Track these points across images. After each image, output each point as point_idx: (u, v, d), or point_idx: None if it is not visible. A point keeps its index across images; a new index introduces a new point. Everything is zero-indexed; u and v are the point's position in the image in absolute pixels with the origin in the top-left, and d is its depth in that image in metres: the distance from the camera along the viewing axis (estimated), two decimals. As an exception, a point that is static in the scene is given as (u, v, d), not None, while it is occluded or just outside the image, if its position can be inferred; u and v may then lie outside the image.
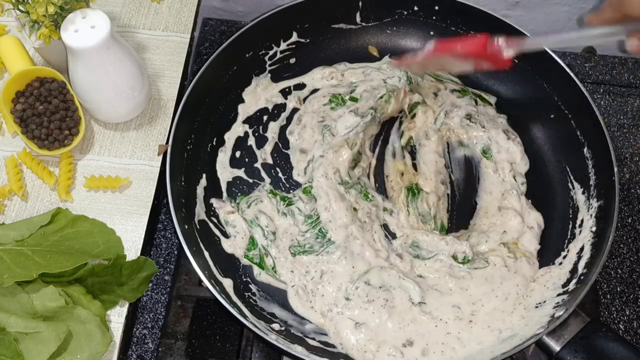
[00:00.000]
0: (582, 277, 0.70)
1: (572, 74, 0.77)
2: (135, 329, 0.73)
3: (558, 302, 0.69)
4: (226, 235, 0.75)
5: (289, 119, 0.83)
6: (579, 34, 0.62)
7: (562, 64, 0.78)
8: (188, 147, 0.77)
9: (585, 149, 0.76)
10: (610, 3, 0.60)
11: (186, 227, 0.71)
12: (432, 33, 0.87)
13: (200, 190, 0.77)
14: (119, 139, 0.79)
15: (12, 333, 0.60)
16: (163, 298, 0.75)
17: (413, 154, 0.81)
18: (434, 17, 0.85)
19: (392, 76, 0.83)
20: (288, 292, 0.71)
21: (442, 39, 0.70)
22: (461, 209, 0.78)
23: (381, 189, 0.79)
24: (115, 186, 0.75)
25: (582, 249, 0.72)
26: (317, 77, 0.85)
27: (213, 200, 0.76)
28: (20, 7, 0.69)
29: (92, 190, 0.75)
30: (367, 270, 0.70)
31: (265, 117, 0.83)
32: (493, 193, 0.77)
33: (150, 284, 0.75)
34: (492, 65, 0.66)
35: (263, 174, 0.80)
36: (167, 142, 0.74)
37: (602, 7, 0.61)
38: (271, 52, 0.85)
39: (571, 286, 0.70)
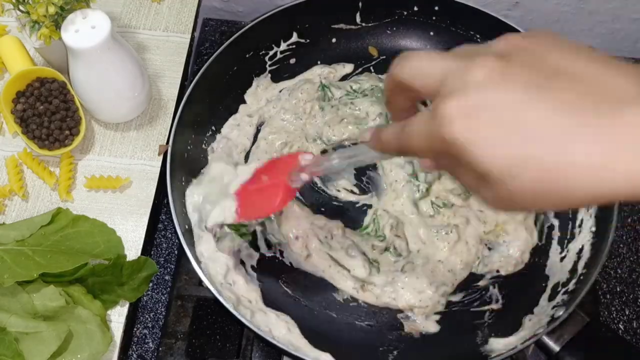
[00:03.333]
0: (581, 277, 0.70)
1: (571, 74, 0.77)
2: (135, 329, 0.73)
3: (558, 302, 0.69)
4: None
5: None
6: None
7: (562, 64, 0.78)
8: (188, 147, 0.77)
9: (585, 149, 0.76)
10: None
11: (186, 227, 0.71)
12: (432, 33, 0.87)
13: (200, 190, 0.77)
14: (119, 139, 0.79)
15: (12, 333, 0.60)
16: (163, 298, 0.75)
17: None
18: (434, 17, 0.85)
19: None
20: None
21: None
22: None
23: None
24: (116, 186, 0.75)
25: (581, 249, 0.72)
26: (316, 74, 0.85)
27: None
28: (21, 7, 0.70)
29: (92, 190, 0.76)
30: None
31: (265, 117, 0.83)
32: None
33: (151, 284, 0.75)
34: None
35: (263, 174, 0.80)
36: (167, 142, 0.74)
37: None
38: (271, 52, 0.85)
39: (571, 286, 0.70)
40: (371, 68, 0.87)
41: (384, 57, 0.88)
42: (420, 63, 0.39)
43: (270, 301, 0.70)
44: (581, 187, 0.32)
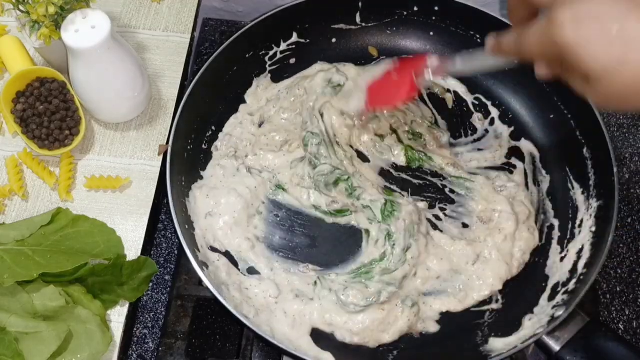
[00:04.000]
0: (581, 277, 0.70)
1: (571, 74, 0.77)
2: (135, 329, 0.73)
3: (558, 302, 0.69)
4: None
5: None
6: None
7: (562, 64, 0.78)
8: (188, 147, 0.77)
9: (585, 149, 0.76)
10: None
11: (186, 227, 0.71)
12: (432, 33, 0.87)
13: (200, 190, 0.77)
14: (119, 139, 0.79)
15: (12, 333, 0.60)
16: (163, 298, 0.75)
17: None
18: (434, 18, 0.85)
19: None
20: None
21: (372, 86, 0.75)
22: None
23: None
24: (116, 186, 0.75)
25: (581, 249, 0.72)
26: (315, 70, 0.85)
27: None
28: (21, 7, 0.70)
29: (92, 190, 0.76)
30: None
31: (265, 117, 0.83)
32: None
33: (151, 284, 0.75)
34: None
35: (263, 174, 0.80)
36: (167, 142, 0.74)
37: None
38: (271, 53, 0.85)
39: (571, 286, 0.70)
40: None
41: (384, 57, 0.88)
42: None
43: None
44: None
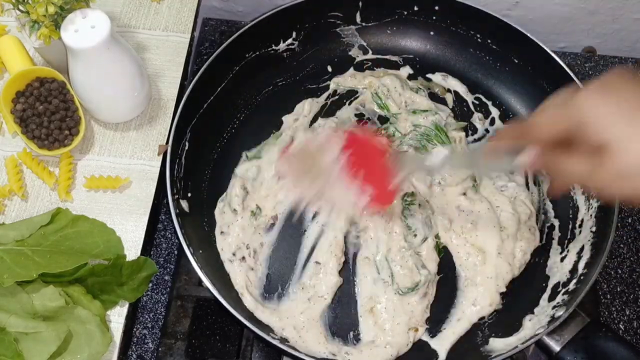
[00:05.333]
0: (582, 277, 0.70)
1: (572, 74, 0.77)
2: (135, 329, 0.73)
3: (558, 302, 0.69)
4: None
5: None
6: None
7: (562, 64, 0.78)
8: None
9: (585, 149, 0.76)
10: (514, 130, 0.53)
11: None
12: (432, 33, 0.87)
13: (200, 190, 0.77)
14: (119, 139, 0.79)
15: (12, 333, 0.60)
16: (163, 298, 0.75)
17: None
18: (434, 17, 0.85)
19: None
20: None
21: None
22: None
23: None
24: (115, 186, 0.75)
25: (582, 249, 0.72)
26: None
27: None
28: (20, 7, 0.70)
29: (92, 190, 0.75)
30: None
31: (265, 117, 0.83)
32: None
33: (151, 284, 0.75)
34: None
35: (263, 174, 0.80)
36: (167, 142, 0.74)
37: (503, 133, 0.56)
38: (271, 52, 0.85)
39: (571, 286, 0.70)
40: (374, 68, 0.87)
41: (387, 57, 0.88)
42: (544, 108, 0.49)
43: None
44: None
